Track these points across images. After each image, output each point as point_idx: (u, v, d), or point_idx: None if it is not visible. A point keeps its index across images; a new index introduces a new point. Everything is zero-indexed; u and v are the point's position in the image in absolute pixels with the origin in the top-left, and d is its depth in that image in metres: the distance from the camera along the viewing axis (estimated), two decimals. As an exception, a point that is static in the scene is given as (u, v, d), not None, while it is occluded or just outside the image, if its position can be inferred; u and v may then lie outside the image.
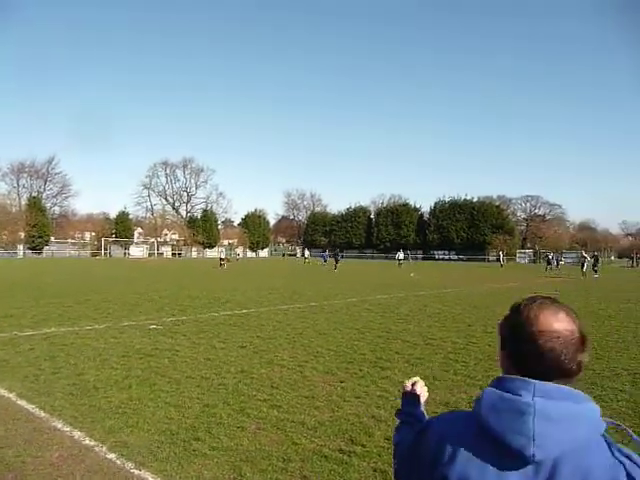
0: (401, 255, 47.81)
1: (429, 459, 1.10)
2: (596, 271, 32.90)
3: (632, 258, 61.94)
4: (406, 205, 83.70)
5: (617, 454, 0.99)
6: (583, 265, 32.53)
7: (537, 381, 1.04)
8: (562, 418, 0.99)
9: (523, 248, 79.83)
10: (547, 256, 44.78)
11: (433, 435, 1.13)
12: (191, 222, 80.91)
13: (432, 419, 1.22)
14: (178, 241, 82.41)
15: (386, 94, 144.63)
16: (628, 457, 0.98)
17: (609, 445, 1.00)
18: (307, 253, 56.02)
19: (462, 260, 71.31)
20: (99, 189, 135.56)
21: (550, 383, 1.05)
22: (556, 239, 78.33)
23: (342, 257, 43.41)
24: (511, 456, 0.99)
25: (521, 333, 1.09)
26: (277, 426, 4.72)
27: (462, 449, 1.05)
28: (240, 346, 8.32)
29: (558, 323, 1.08)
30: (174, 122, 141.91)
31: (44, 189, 78.46)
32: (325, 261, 46.80)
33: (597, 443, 0.99)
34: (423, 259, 74.47)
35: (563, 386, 1.06)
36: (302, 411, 5.12)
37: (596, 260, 34.05)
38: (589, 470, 0.95)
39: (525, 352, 1.07)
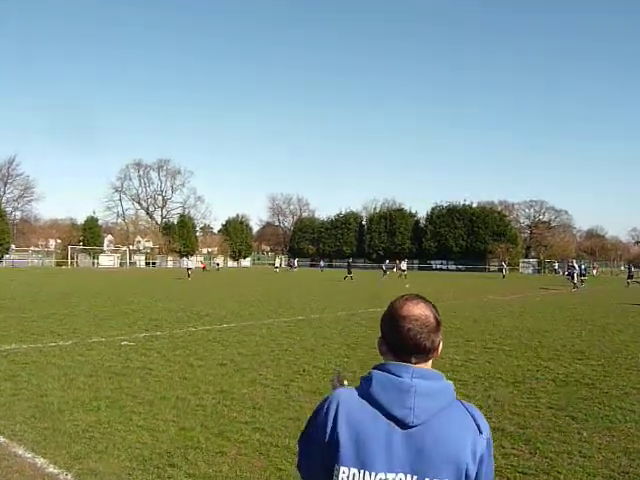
0: (404, 265, 47.50)
1: (325, 425, 1.47)
2: (582, 281, 35.10)
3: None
4: (401, 210, 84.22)
5: (465, 407, 1.50)
6: (573, 276, 33.52)
7: (414, 366, 1.47)
8: (432, 393, 1.45)
9: (527, 257, 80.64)
10: (570, 266, 43.77)
11: (331, 404, 1.50)
12: (167, 229, 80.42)
13: (328, 396, 1.57)
14: (152, 249, 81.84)
15: (378, 92, 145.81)
16: (470, 408, 1.50)
17: (461, 403, 1.51)
18: (277, 262, 57.73)
19: (461, 270, 71.73)
20: (65, 192, 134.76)
21: (423, 367, 1.49)
22: (562, 247, 79.07)
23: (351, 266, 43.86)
24: (396, 422, 1.41)
25: (391, 319, 1.53)
26: (260, 451, 4.73)
27: (355, 415, 1.44)
28: (220, 364, 8.31)
29: (417, 310, 1.52)
30: (148, 120, 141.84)
31: (4, 192, 77.68)
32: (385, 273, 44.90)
33: (454, 404, 1.49)
34: (419, 269, 74.82)
35: (432, 369, 1.52)
36: (287, 434, 5.12)
37: (583, 270, 37.32)
38: (449, 421, 1.43)
39: (393, 333, 1.50)
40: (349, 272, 40.31)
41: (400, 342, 1.49)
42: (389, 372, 1.47)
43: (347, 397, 1.52)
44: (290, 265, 59.15)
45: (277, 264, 56.98)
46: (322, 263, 58.45)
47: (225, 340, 10.64)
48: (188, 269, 39.41)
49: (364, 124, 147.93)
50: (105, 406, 5.95)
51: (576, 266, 35.45)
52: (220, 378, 7.37)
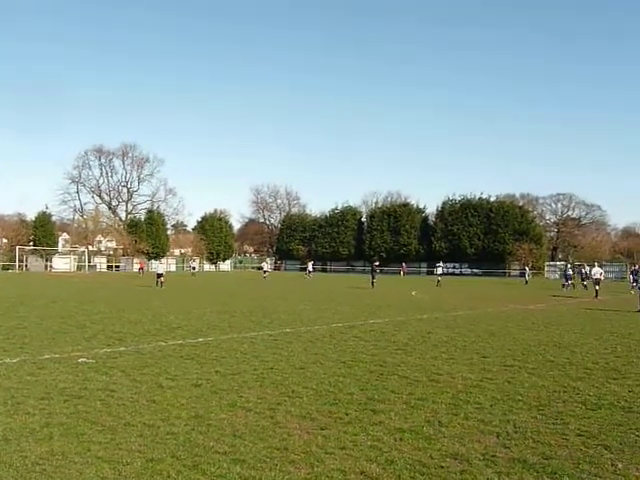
0: (439, 270, 46.25)
1: None
2: (585, 286, 39.03)
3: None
4: (406, 205, 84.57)
5: None
6: (583, 279, 38.68)
7: None
8: None
9: (553, 260, 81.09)
10: (580, 269, 46.38)
11: None
12: (132, 226, 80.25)
13: None
14: (116, 250, 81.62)
15: (380, 70, 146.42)
16: None
17: None
18: (265, 266, 55.44)
19: (476, 275, 72.17)
20: (12, 183, 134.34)
21: None
22: (595, 248, 79.47)
23: (378, 271, 42.61)
24: None
25: None
26: (240, 486, 4.72)
27: None
28: (194, 384, 8.29)
29: None
30: (111, 99, 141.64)
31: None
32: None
33: None
34: (428, 273, 75.02)
35: None
36: (272, 467, 5.13)
37: (584, 274, 40.96)
38: None
39: None
40: (373, 277, 38.83)
41: None
42: None
43: None
44: (308, 271, 56.08)
45: (266, 268, 54.68)
46: (310, 267, 56.47)
47: (201, 357, 10.61)
48: (140, 269, 38.96)
49: (364, 105, 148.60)
50: (59, 434, 5.92)
51: (587, 269, 40.02)
52: (194, 401, 7.35)
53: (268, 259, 63.97)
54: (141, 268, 57.90)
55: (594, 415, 6.99)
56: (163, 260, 54.04)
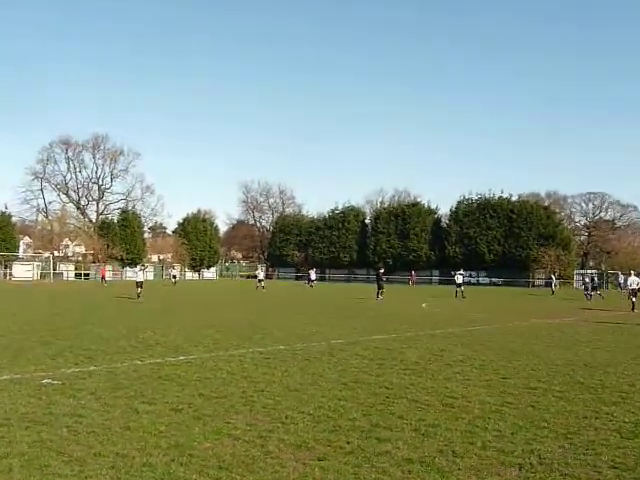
0: (460, 279, 45.09)
1: None
2: (591, 295, 42.44)
3: None
4: (416, 205, 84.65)
5: None
6: (587, 288, 43.21)
7: None
8: None
9: (583, 267, 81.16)
10: (592, 277, 48.32)
11: None
12: (104, 228, 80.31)
13: None
14: (85, 256, 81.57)
15: (385, 51, 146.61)
16: None
17: None
18: (261, 274, 53.96)
19: (496, 284, 72.24)
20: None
21: None
22: (631, 255, 79.48)
23: (386, 280, 42.40)
24: None
25: None
26: (227, 525, 4.72)
27: None
28: (174, 409, 8.29)
29: None
30: (80, 84, 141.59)
31: None
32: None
33: None
34: (440, 282, 75.10)
35: None
36: (264, 503, 5.12)
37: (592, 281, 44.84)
38: None
39: None
40: (380, 287, 38.52)
41: None
42: None
43: None
44: (310, 279, 56.20)
45: (261, 276, 53.01)
46: (313, 275, 56.78)
47: (182, 377, 10.59)
48: (103, 278, 38.37)
49: (367, 93, 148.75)
50: (20, 466, 5.90)
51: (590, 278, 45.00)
52: (175, 428, 7.34)
53: (262, 267, 61.90)
54: (103, 277, 57.95)
55: (630, 445, 6.99)
56: (141, 267, 49.80)
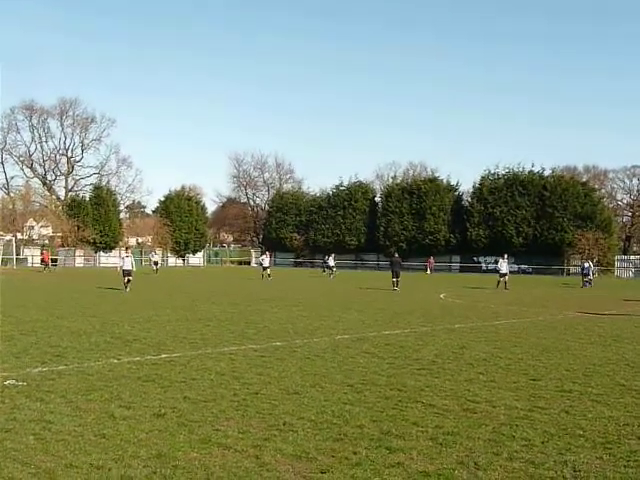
0: (504, 267, 43.06)
1: None
2: (587, 282, 46.67)
3: None
4: (433, 181, 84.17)
5: None
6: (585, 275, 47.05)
7: None
8: None
9: (626, 253, 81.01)
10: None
11: None
12: (74, 207, 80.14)
13: None
14: (52, 239, 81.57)
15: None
16: None
17: None
18: (266, 261, 52.91)
19: (525, 272, 71.96)
20: None
21: None
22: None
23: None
24: None
25: None
26: None
27: None
28: (156, 414, 8.32)
29: None
30: (45, 41, 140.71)
31: None
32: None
33: None
34: (461, 270, 75.04)
35: None
36: (258, 521, 5.15)
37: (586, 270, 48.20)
38: None
39: None
40: (396, 275, 38.05)
41: None
42: None
43: None
44: (327, 266, 56.42)
45: (266, 263, 52.09)
46: (331, 262, 56.55)
47: (164, 378, 10.62)
48: (43, 261, 34.81)
49: (378, 53, 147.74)
50: (-21, 478, 5.94)
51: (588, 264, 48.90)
52: (156, 436, 7.37)
53: (267, 252, 59.86)
54: (44, 260, 57.55)
55: (678, 455, 7.01)
56: (127, 252, 43.17)
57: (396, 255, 41.79)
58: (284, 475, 6.18)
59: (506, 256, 46.00)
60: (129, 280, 33.12)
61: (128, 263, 34.11)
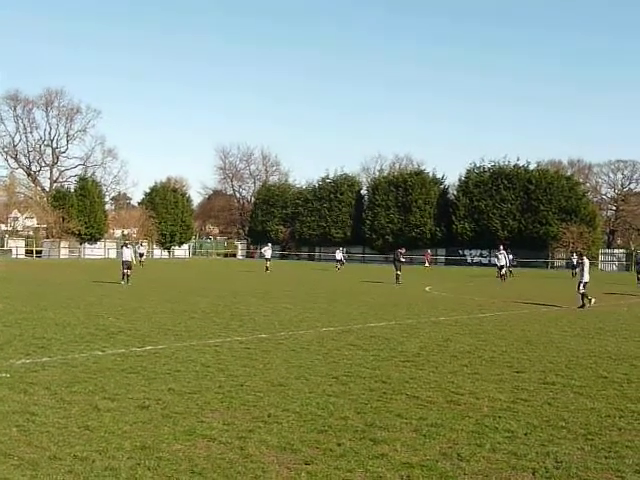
0: (502, 259, 43.16)
1: None
2: (574, 274, 43.22)
3: None
4: (420, 174, 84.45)
5: None
6: (574, 268, 43.32)
7: None
8: None
9: (610, 247, 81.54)
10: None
11: None
12: (59, 199, 79.72)
13: None
14: (37, 230, 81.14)
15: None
16: None
17: None
18: (268, 253, 52.89)
19: (510, 265, 72.19)
20: None
21: None
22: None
23: (403, 261, 41.12)
24: None
25: None
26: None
27: None
28: (140, 406, 8.31)
29: None
30: (30, 31, 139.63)
31: None
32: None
33: None
34: (447, 263, 75.24)
35: None
36: (242, 512, 5.16)
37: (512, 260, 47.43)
38: None
39: None
40: (398, 268, 37.99)
41: None
42: None
43: None
44: (337, 260, 56.22)
45: (268, 255, 51.96)
46: (343, 255, 57.08)
47: (149, 370, 10.61)
48: (125, 264, 31.63)
49: (362, 44, 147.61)
50: (-38, 470, 5.92)
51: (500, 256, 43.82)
52: (141, 428, 7.37)
53: (269, 244, 58.87)
54: (142, 255, 55.11)
55: (658, 447, 7.08)
56: (128, 243, 39.43)
57: (401, 250, 41.09)
58: (268, 466, 6.19)
59: (502, 247, 46.81)
60: (128, 272, 31.56)
61: (127, 254, 32.47)
